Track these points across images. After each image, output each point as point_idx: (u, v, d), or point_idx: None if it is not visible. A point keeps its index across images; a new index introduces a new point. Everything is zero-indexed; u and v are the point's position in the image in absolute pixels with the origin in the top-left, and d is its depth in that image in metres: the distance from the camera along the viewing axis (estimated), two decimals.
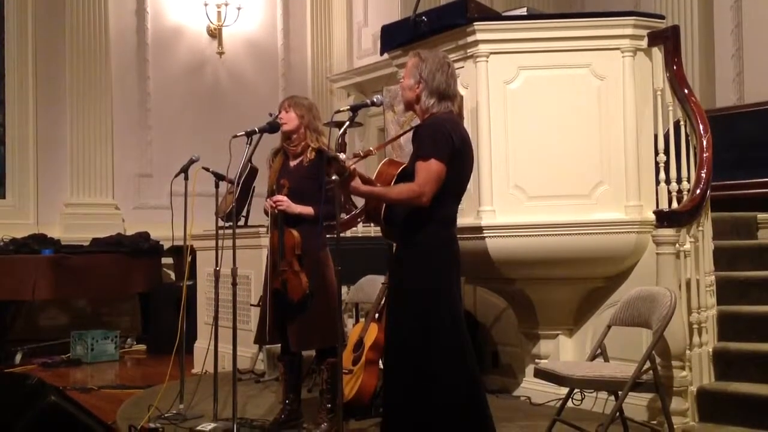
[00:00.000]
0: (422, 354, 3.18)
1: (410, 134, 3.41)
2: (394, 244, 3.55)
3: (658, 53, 4.49)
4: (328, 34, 10.35)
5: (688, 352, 4.14)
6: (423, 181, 3.15)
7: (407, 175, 3.26)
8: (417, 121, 3.48)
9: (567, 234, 4.38)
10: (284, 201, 4.21)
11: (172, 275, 8.68)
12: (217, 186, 4.66)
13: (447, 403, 3.16)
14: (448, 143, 3.18)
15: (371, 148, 3.44)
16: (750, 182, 5.97)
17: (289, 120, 4.29)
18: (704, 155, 4.32)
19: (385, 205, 3.31)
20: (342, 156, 3.17)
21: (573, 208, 4.41)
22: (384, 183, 3.32)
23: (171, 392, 4.83)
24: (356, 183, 3.19)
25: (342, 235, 4.80)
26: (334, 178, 3.13)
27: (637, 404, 4.12)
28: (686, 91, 4.45)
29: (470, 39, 4.49)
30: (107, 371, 6.98)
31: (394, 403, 3.28)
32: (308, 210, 4.20)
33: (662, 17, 4.76)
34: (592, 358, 3.88)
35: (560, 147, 4.43)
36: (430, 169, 3.15)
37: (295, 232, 4.20)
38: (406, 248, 3.33)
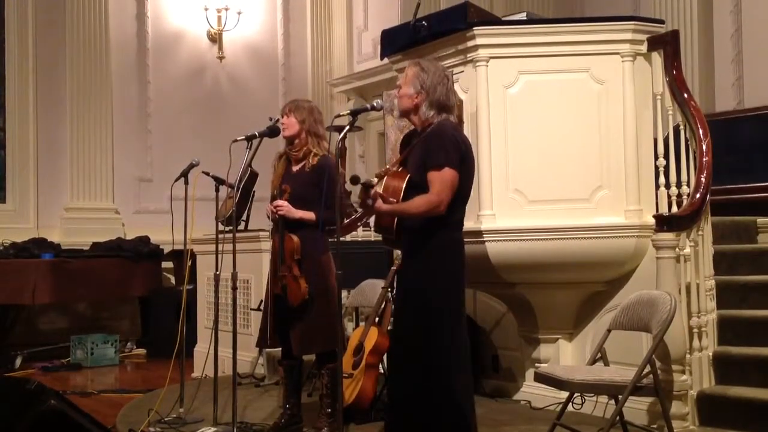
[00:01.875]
0: (424, 354, 3.21)
1: (401, 138, 3.45)
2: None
3: (657, 58, 4.50)
4: (328, 38, 10.36)
5: (688, 356, 4.14)
6: (439, 190, 3.21)
7: (414, 185, 3.29)
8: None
9: (567, 238, 4.38)
10: (284, 206, 4.21)
11: (172, 279, 8.68)
12: (217, 190, 4.66)
13: (447, 403, 3.18)
14: (457, 149, 3.25)
15: (388, 167, 3.49)
16: (750, 186, 5.97)
17: (290, 125, 4.29)
18: (704, 159, 4.32)
19: (396, 218, 3.34)
20: (374, 181, 3.23)
21: (573, 212, 4.41)
22: (392, 196, 3.34)
23: (171, 396, 4.83)
24: (379, 203, 3.24)
25: (342, 239, 4.81)
26: (369, 202, 3.17)
27: (637, 408, 4.12)
28: (686, 95, 4.46)
29: (470, 44, 4.50)
30: (107, 375, 6.98)
31: (397, 403, 3.32)
32: (309, 215, 4.20)
33: (662, 22, 4.77)
34: (593, 362, 3.88)
35: (560, 151, 4.43)
36: (444, 178, 3.21)
37: (294, 237, 4.20)
38: (412, 252, 3.35)
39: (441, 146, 3.25)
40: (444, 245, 3.28)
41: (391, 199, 3.31)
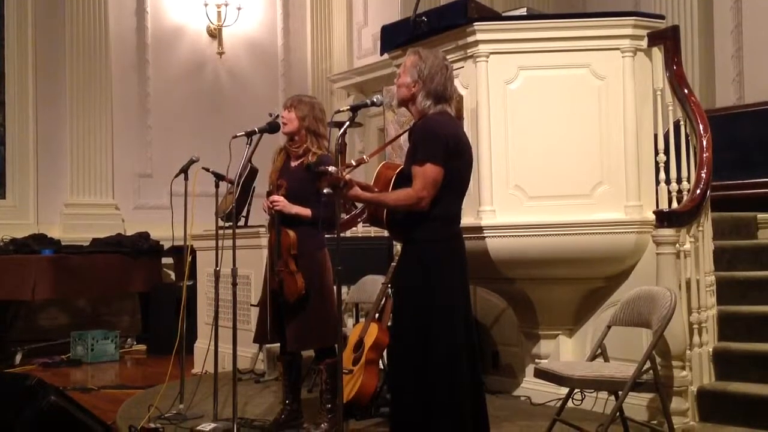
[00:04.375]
0: (417, 351, 3.19)
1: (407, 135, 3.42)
2: (398, 244, 3.57)
3: (658, 53, 4.49)
4: (328, 34, 10.35)
5: (688, 352, 4.14)
6: (420, 186, 3.17)
7: (404, 176, 3.27)
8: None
9: (567, 234, 4.38)
10: (280, 201, 4.21)
11: (172, 275, 8.68)
12: (217, 186, 4.66)
13: (440, 400, 3.16)
14: (441, 144, 3.18)
15: (364, 157, 3.44)
16: (750, 182, 5.97)
17: (290, 120, 4.28)
18: (704, 155, 4.32)
19: (385, 211, 3.33)
20: (332, 169, 3.18)
21: (573, 208, 4.41)
22: (382, 185, 3.32)
23: (171, 392, 4.83)
24: (354, 191, 3.21)
25: (342, 235, 4.80)
26: (326, 191, 3.15)
27: (637, 404, 4.12)
28: (686, 91, 4.45)
29: (470, 39, 4.49)
30: (107, 371, 6.98)
31: (396, 401, 3.32)
32: (305, 211, 4.19)
33: (662, 17, 4.76)
34: (592, 358, 3.88)
35: (560, 147, 4.42)
36: (426, 174, 3.16)
37: (291, 232, 4.19)
38: (406, 245, 3.35)
39: (425, 141, 3.20)
40: (430, 239, 3.24)
41: (375, 189, 3.29)
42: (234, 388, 4.18)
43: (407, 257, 3.33)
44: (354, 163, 3.32)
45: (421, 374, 3.18)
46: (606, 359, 3.85)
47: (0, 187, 8.52)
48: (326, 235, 4.36)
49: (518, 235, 4.40)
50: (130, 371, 7.09)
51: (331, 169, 3.18)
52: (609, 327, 3.92)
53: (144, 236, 8.28)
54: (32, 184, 8.52)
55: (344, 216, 5.54)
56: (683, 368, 4.08)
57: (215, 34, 9.59)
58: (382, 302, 4.65)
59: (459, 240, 3.34)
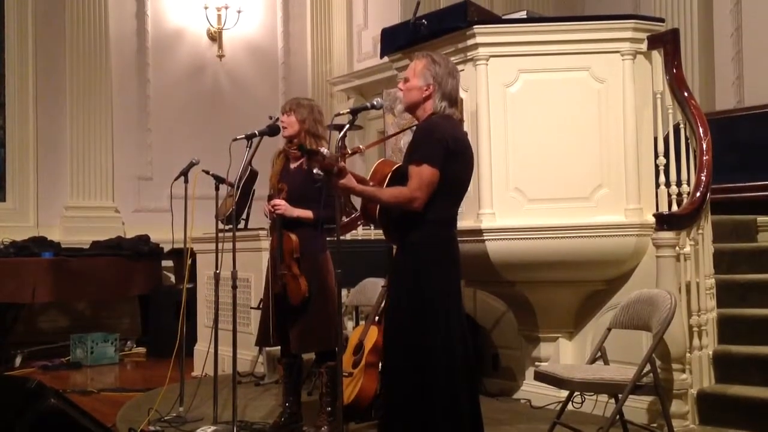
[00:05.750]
0: (413, 354, 3.18)
1: (410, 136, 3.41)
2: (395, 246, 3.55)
3: (657, 56, 4.50)
4: (328, 37, 10.35)
5: (688, 355, 4.14)
6: (415, 186, 3.14)
7: (400, 174, 3.25)
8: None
9: (567, 237, 4.38)
10: (282, 205, 4.21)
11: (172, 278, 8.68)
12: (217, 189, 4.66)
13: (439, 403, 3.15)
14: (441, 147, 3.16)
15: (360, 146, 3.42)
16: (750, 185, 5.97)
17: (290, 124, 4.29)
18: (704, 158, 4.32)
19: (378, 206, 3.30)
20: (324, 151, 3.13)
21: (573, 211, 4.42)
22: (378, 181, 3.30)
23: (171, 395, 4.83)
24: (348, 181, 3.15)
25: (342, 238, 4.80)
26: (316, 171, 3.11)
27: (637, 407, 4.13)
28: (686, 93, 4.46)
29: (470, 42, 4.50)
30: (107, 374, 6.97)
31: (390, 403, 3.29)
32: (307, 214, 4.19)
33: (662, 20, 4.77)
34: (593, 361, 3.88)
35: (560, 150, 4.43)
36: (422, 175, 3.14)
37: (293, 236, 4.20)
38: (402, 248, 3.34)
39: (424, 142, 3.19)
40: (426, 242, 3.21)
41: (371, 183, 3.29)
42: (234, 391, 4.18)
43: (402, 260, 3.31)
44: (349, 151, 3.29)
45: (418, 378, 3.16)
46: (606, 362, 3.86)
47: (0, 190, 8.52)
48: (327, 238, 4.36)
49: (518, 238, 4.40)
50: (130, 374, 7.08)
51: (324, 151, 3.14)
52: (609, 330, 3.92)
53: (144, 239, 8.27)
54: (32, 186, 8.51)
55: (344, 219, 5.55)
56: (683, 371, 4.08)
57: (215, 37, 9.59)
58: (382, 305, 4.65)
59: (454, 243, 3.32)
